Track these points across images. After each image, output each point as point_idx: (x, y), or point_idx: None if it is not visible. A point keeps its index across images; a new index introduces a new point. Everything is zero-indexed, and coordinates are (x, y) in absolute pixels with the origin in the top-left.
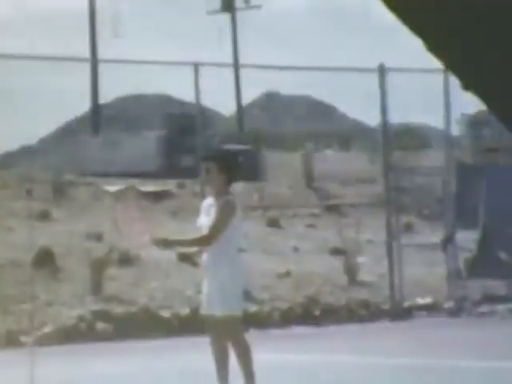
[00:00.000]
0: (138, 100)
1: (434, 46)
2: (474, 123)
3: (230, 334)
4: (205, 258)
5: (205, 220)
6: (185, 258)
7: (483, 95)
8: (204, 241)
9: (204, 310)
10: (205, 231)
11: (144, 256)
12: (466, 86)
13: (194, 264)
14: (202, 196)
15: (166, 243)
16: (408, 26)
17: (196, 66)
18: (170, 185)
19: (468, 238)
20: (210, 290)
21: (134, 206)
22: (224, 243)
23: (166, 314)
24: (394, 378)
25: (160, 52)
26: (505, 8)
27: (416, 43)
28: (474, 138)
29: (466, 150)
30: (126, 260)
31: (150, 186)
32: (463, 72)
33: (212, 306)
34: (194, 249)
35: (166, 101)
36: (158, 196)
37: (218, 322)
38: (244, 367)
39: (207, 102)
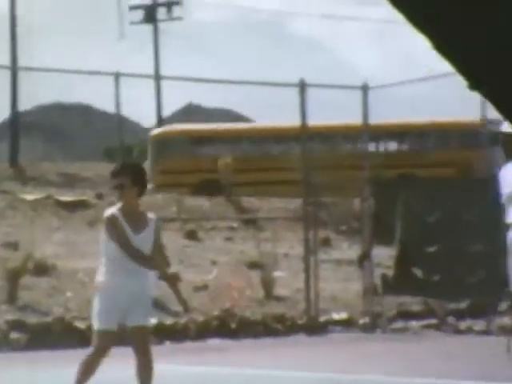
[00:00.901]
0: (58, 108)
1: (438, 45)
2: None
3: (140, 345)
4: (118, 271)
5: (140, 238)
6: None
7: (489, 94)
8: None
9: (110, 324)
10: (146, 248)
11: (60, 266)
12: (472, 85)
13: None
14: None
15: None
16: (413, 25)
17: (117, 76)
18: (87, 195)
19: (385, 255)
20: (124, 302)
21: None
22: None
23: (81, 324)
24: None
25: (82, 61)
26: (506, 8)
27: (333, 58)
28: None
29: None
30: (42, 269)
31: (67, 196)
32: (468, 71)
33: (126, 317)
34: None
35: (87, 110)
36: (75, 206)
37: (131, 332)
38: (143, 380)
39: (128, 112)
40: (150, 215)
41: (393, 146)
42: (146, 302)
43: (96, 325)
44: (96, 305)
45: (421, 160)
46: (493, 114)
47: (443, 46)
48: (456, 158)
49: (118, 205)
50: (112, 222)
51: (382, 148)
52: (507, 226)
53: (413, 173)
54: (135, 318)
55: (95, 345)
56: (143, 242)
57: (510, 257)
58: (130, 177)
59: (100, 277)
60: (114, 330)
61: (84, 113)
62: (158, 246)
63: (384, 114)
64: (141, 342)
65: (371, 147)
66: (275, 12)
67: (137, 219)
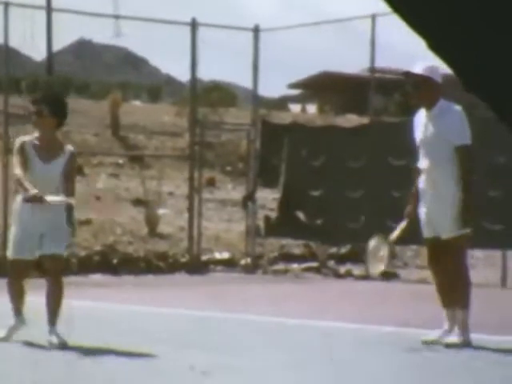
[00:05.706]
0: None
1: (433, 45)
2: None
3: (55, 272)
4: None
5: (48, 167)
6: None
7: (483, 95)
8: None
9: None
10: (53, 177)
11: None
12: (468, 86)
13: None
14: (6, 138)
15: None
16: (407, 24)
17: (6, 6)
18: None
19: (269, 197)
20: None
21: None
22: (42, 185)
23: None
24: (188, 328)
25: None
26: (504, 9)
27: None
28: None
29: None
30: None
31: None
32: (465, 72)
33: (44, 246)
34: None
35: None
36: None
37: (47, 260)
38: (54, 305)
39: (19, 45)
40: (69, 147)
41: None
42: (56, 233)
43: (10, 254)
44: (11, 234)
45: None
46: (381, 62)
47: (439, 45)
48: None
49: (35, 133)
50: (17, 150)
51: None
52: (418, 171)
53: None
54: (46, 247)
55: (10, 273)
56: (50, 171)
57: (421, 203)
58: (50, 107)
59: (15, 206)
60: (27, 259)
61: None
62: (67, 177)
63: (274, 59)
64: (52, 271)
65: None
66: None
67: (50, 148)
